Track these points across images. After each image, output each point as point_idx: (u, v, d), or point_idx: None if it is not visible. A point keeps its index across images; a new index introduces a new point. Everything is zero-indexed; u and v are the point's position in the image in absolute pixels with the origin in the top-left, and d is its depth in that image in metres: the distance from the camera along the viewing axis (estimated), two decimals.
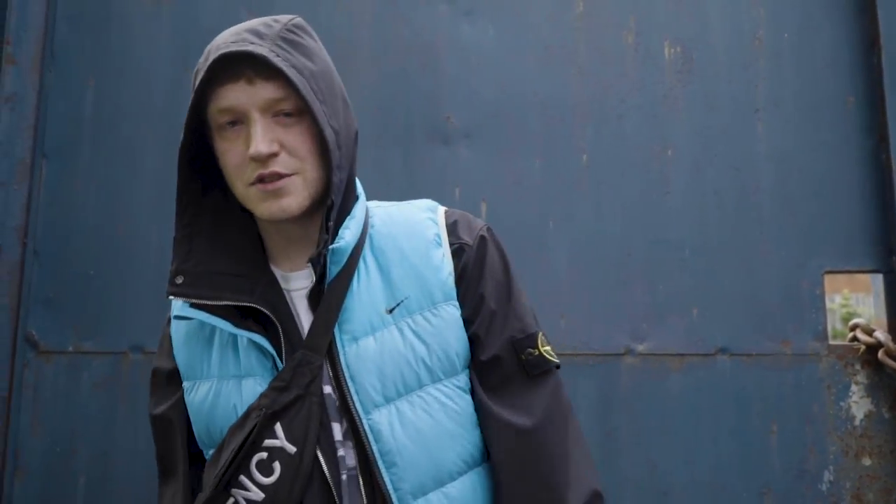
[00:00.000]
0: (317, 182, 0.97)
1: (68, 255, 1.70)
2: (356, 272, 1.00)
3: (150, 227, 1.71)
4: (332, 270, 0.97)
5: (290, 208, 0.95)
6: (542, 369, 1.00)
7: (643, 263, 1.67)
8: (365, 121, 1.75)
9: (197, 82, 0.93)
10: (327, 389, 0.96)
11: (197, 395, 1.02)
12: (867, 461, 1.56)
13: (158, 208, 1.72)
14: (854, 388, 1.59)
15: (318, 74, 0.96)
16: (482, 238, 1.05)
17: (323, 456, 0.93)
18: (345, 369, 0.95)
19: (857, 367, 1.60)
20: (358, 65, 1.77)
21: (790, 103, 1.71)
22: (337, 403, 0.96)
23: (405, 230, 1.05)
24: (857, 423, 1.58)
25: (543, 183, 1.71)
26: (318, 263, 0.96)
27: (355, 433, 0.94)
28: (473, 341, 1.01)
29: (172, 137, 1.74)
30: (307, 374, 0.94)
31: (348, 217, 1.00)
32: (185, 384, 1.05)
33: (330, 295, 0.97)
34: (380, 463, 0.92)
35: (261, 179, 0.93)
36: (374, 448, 0.93)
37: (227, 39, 0.93)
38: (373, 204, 1.12)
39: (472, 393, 1.01)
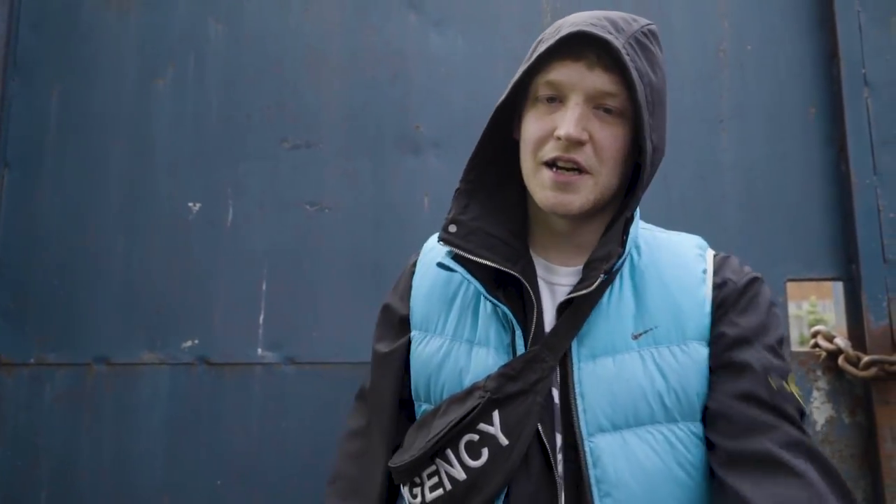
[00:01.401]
0: (606, 189, 0.94)
1: (31, 265, 1.68)
2: (609, 289, 0.96)
3: (115, 238, 1.69)
4: (596, 281, 0.93)
5: (571, 206, 0.92)
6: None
7: None
8: (334, 130, 1.75)
9: (540, 49, 0.92)
10: (555, 393, 0.93)
11: (427, 348, 1.02)
12: None
13: (124, 218, 1.70)
14: (816, 393, 1.62)
15: (655, 86, 0.93)
16: (753, 279, 0.98)
17: (553, 458, 0.90)
18: (576, 384, 0.92)
19: (819, 373, 1.62)
20: (327, 74, 1.77)
21: (753, 114, 1.74)
22: (560, 413, 0.92)
23: (671, 259, 1.00)
24: (818, 428, 1.61)
25: None
26: (602, 272, 0.91)
27: (573, 451, 0.90)
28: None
29: (138, 146, 1.73)
30: (537, 372, 0.91)
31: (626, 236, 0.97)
32: (416, 334, 1.05)
33: (582, 303, 0.94)
34: (594, 490, 0.87)
35: (554, 164, 0.91)
36: (591, 473, 0.88)
37: (587, 20, 0.91)
38: (642, 225, 1.08)
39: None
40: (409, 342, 1.05)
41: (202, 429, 1.61)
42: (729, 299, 0.95)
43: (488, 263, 0.95)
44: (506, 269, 0.95)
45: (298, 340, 1.64)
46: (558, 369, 0.93)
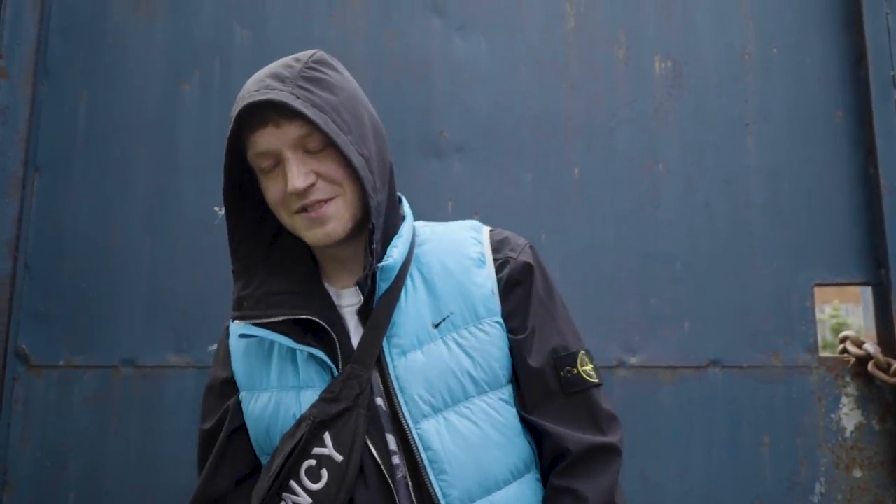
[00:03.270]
0: (357, 203, 1.03)
1: (60, 268, 1.70)
2: (404, 288, 1.05)
3: (142, 241, 1.71)
4: (381, 287, 1.03)
5: (336, 233, 1.01)
6: (578, 388, 1.04)
7: (635, 276, 1.68)
8: None
9: (229, 131, 1.00)
10: (378, 401, 1.01)
11: (257, 404, 1.07)
12: (858, 473, 1.57)
13: (151, 222, 1.71)
14: (844, 399, 1.60)
15: (342, 106, 1.00)
16: (526, 253, 1.11)
17: (382, 464, 0.98)
18: (394, 381, 1.01)
19: (848, 379, 1.61)
20: None
21: (780, 118, 1.73)
22: (388, 415, 1.00)
23: (449, 248, 1.10)
24: (847, 434, 1.59)
25: (535, 196, 1.72)
26: (366, 285, 1.02)
27: (405, 442, 0.98)
28: (515, 355, 1.06)
29: (165, 151, 1.75)
30: (356, 387, 0.99)
31: (395, 236, 1.06)
32: (244, 394, 1.10)
33: (379, 311, 1.03)
34: (429, 470, 0.97)
35: (304, 209, 1.00)
36: (424, 456, 0.97)
37: (251, 88, 0.99)
38: (420, 223, 1.17)
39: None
40: (239, 401, 1.11)
41: None
42: (513, 279, 1.07)
43: (280, 319, 1.02)
44: (299, 316, 1.02)
45: None
46: (378, 376, 1.01)
